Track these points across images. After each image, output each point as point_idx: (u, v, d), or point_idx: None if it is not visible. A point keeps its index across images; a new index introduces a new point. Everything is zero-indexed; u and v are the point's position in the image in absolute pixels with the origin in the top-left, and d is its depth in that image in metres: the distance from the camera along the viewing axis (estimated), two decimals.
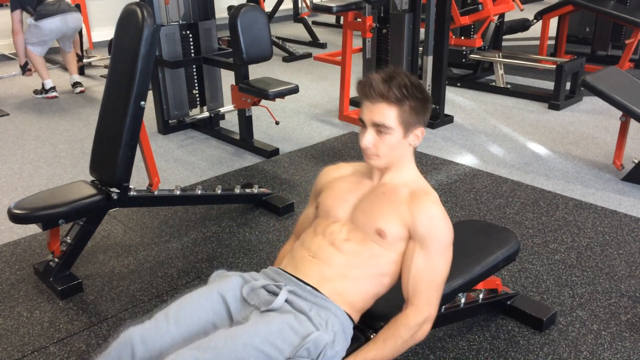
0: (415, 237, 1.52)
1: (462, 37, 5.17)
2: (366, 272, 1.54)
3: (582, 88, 3.49)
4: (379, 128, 1.52)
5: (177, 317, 1.45)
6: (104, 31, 6.59)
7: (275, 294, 1.51)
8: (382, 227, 1.53)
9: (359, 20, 4.15)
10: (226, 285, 1.54)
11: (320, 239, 1.59)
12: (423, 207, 1.52)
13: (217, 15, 4.19)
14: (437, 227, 1.52)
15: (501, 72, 4.89)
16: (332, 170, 1.77)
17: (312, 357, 1.40)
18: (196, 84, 4.16)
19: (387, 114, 1.50)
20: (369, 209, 1.57)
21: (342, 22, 4.82)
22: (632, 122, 3.26)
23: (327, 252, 1.56)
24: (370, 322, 1.60)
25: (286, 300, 1.49)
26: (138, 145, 2.47)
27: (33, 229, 2.78)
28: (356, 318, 1.56)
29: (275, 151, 3.72)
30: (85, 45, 6.06)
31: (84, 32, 5.91)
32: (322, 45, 6.67)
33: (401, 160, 1.60)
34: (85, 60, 5.80)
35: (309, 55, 6.23)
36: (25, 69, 5.07)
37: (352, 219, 1.59)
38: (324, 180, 1.76)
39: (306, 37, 6.90)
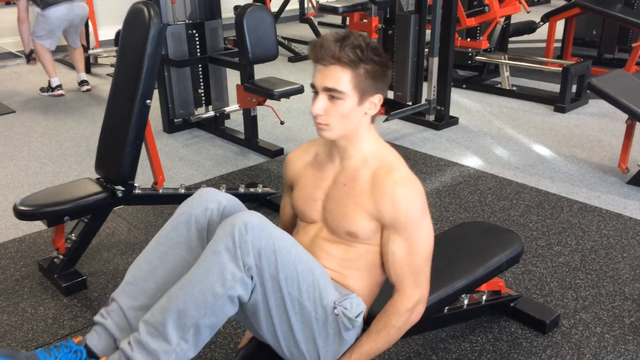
0: (385, 225, 1.46)
1: (468, 39, 5.17)
2: (359, 270, 1.54)
3: (588, 91, 3.49)
4: (331, 93, 1.40)
5: None
6: (111, 29, 6.60)
7: None
8: (351, 230, 1.49)
9: (364, 21, 4.15)
10: None
11: (307, 240, 1.59)
12: (384, 194, 1.43)
13: (223, 15, 4.20)
14: (402, 208, 1.42)
15: (507, 74, 4.88)
16: (297, 158, 1.66)
17: (353, 314, 1.46)
18: (202, 83, 4.17)
19: (340, 77, 1.38)
20: (335, 210, 1.51)
21: (348, 22, 4.82)
22: (638, 125, 3.25)
23: (317, 254, 1.55)
24: (370, 321, 1.59)
25: None
26: (143, 144, 2.48)
27: (38, 225, 2.79)
28: (368, 305, 1.57)
29: (280, 151, 3.72)
30: (92, 43, 6.08)
31: (91, 30, 5.95)
32: None
33: (357, 132, 1.48)
34: (90, 52, 5.81)
35: None
36: (29, 57, 5.07)
37: (326, 221, 1.55)
38: (290, 172, 1.67)
39: (312, 37, 6.85)
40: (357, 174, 1.49)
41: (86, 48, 5.58)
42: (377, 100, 1.46)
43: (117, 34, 4.80)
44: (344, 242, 1.53)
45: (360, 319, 1.50)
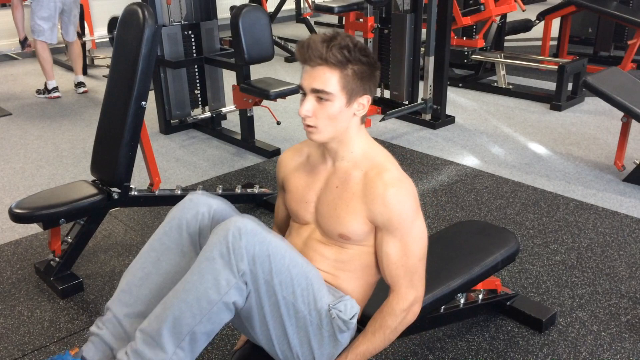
0: (379, 227, 1.46)
1: (464, 38, 5.17)
2: (353, 271, 1.54)
3: (583, 89, 3.48)
4: (319, 94, 1.39)
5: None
6: (106, 31, 6.60)
7: None
8: (343, 232, 1.48)
9: (360, 20, 4.15)
10: None
11: (300, 241, 1.58)
12: (375, 195, 1.42)
13: (219, 16, 4.19)
14: (394, 210, 1.41)
15: (503, 72, 4.89)
16: (288, 159, 1.65)
17: (347, 316, 1.46)
18: (198, 84, 4.17)
19: (328, 78, 1.37)
20: (327, 212, 1.50)
21: (344, 22, 4.82)
22: (634, 123, 3.26)
23: (310, 254, 1.55)
24: (365, 322, 1.59)
25: None
26: (139, 145, 2.48)
27: (34, 228, 2.79)
28: (362, 306, 1.57)
29: (277, 151, 3.72)
30: (89, 45, 6.07)
31: (87, 33, 5.94)
32: None
33: (347, 134, 1.46)
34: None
35: None
36: (24, 44, 5.05)
37: (318, 223, 1.55)
38: (282, 173, 1.66)
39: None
40: (349, 176, 1.48)
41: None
42: (365, 101, 1.44)
43: (110, 22, 4.80)
44: (336, 244, 1.52)
45: (354, 321, 1.50)
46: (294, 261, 1.43)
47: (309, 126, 1.44)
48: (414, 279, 1.48)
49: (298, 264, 1.44)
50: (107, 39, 5.26)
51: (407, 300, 1.47)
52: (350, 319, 1.47)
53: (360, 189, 1.46)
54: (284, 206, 1.71)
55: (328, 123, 1.42)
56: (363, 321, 1.55)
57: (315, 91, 1.40)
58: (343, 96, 1.40)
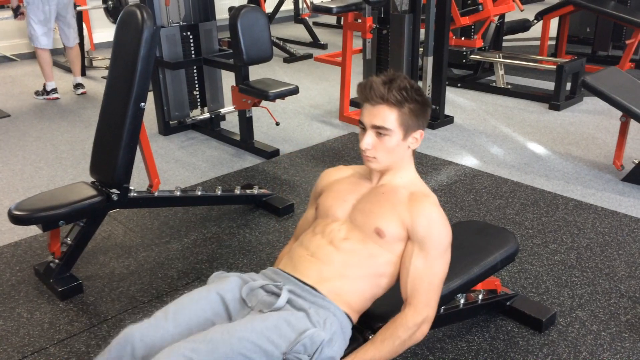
0: (414, 239, 1.53)
1: (463, 38, 5.17)
2: (364, 272, 1.55)
3: (582, 88, 3.49)
4: (379, 130, 1.53)
5: (176, 316, 1.46)
6: (105, 32, 6.60)
7: (275, 294, 1.52)
8: (381, 227, 1.54)
9: (359, 21, 4.15)
10: (225, 285, 1.55)
11: (319, 238, 1.60)
12: (422, 209, 1.54)
13: (217, 17, 4.19)
14: (436, 229, 1.53)
15: (501, 72, 4.89)
16: (332, 173, 1.78)
17: (308, 354, 1.40)
18: (197, 85, 4.17)
19: (387, 116, 1.52)
20: (368, 208, 1.58)
21: (342, 23, 4.83)
22: (632, 123, 3.26)
23: (326, 250, 1.56)
24: (368, 323, 1.60)
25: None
26: (138, 147, 2.47)
27: (33, 230, 2.79)
28: (355, 318, 1.56)
29: (276, 152, 3.72)
30: (87, 47, 6.07)
31: (85, 34, 5.93)
32: (323, 46, 6.67)
33: (400, 163, 1.61)
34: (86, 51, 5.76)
35: (309, 56, 6.24)
36: (17, 12, 5.00)
37: (351, 219, 1.60)
38: (323, 182, 1.77)
39: (307, 37, 6.90)
40: (396, 190, 1.60)
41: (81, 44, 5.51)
42: (419, 135, 1.59)
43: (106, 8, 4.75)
44: (360, 242, 1.56)
45: (332, 336, 1.45)
46: (231, 348, 1.36)
47: (368, 157, 1.57)
48: (431, 298, 1.52)
49: (233, 348, 1.36)
50: (104, 40, 5.24)
51: (421, 316, 1.50)
52: (319, 346, 1.41)
53: (406, 200, 1.57)
54: (311, 219, 1.74)
55: (386, 155, 1.57)
56: (364, 321, 1.55)
57: (375, 127, 1.54)
58: (400, 132, 1.55)
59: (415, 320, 1.49)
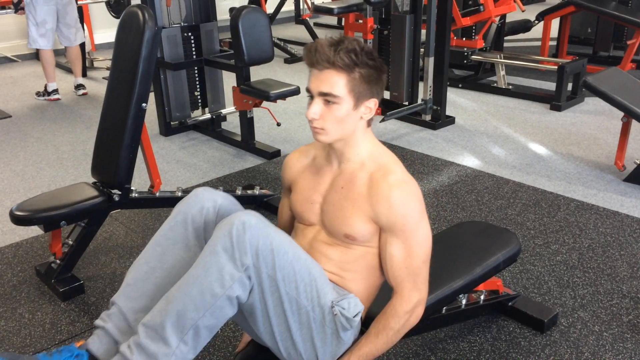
0: (383, 228, 1.47)
1: (464, 38, 5.17)
2: (358, 272, 1.54)
3: (583, 89, 3.48)
4: (327, 98, 1.40)
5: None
6: (106, 33, 6.61)
7: None
8: (348, 232, 1.49)
9: (360, 21, 4.15)
10: None
11: (306, 243, 1.58)
12: (380, 196, 1.43)
13: (218, 17, 4.19)
14: (399, 212, 1.42)
15: (503, 73, 4.89)
16: (294, 161, 1.67)
17: (347, 315, 1.45)
18: (198, 86, 4.17)
19: (335, 82, 1.39)
20: (333, 213, 1.51)
21: (343, 23, 4.83)
22: (634, 123, 3.25)
23: (317, 256, 1.55)
24: (369, 323, 1.59)
25: None
26: (140, 147, 2.47)
27: (35, 230, 2.79)
28: (365, 308, 1.56)
29: (277, 152, 3.72)
30: (88, 47, 6.07)
31: (87, 34, 5.92)
32: None
33: (354, 136, 1.48)
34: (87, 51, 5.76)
35: None
36: (18, 6, 4.99)
37: (323, 224, 1.55)
38: (288, 175, 1.68)
39: (308, 38, 6.90)
40: (355, 177, 1.49)
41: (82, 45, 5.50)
42: (372, 104, 1.46)
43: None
44: (342, 245, 1.52)
45: (357, 319, 1.50)
46: (297, 257, 1.43)
47: (316, 128, 1.45)
48: (417, 281, 1.48)
49: (301, 260, 1.44)
50: (105, 41, 5.24)
51: (411, 302, 1.47)
52: (354, 316, 1.47)
53: (365, 190, 1.47)
54: (288, 208, 1.72)
55: (335, 125, 1.43)
56: (367, 322, 1.55)
57: (322, 94, 1.41)
58: (350, 99, 1.41)
59: (405, 309, 1.47)
